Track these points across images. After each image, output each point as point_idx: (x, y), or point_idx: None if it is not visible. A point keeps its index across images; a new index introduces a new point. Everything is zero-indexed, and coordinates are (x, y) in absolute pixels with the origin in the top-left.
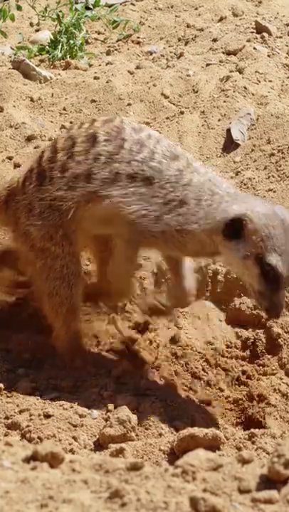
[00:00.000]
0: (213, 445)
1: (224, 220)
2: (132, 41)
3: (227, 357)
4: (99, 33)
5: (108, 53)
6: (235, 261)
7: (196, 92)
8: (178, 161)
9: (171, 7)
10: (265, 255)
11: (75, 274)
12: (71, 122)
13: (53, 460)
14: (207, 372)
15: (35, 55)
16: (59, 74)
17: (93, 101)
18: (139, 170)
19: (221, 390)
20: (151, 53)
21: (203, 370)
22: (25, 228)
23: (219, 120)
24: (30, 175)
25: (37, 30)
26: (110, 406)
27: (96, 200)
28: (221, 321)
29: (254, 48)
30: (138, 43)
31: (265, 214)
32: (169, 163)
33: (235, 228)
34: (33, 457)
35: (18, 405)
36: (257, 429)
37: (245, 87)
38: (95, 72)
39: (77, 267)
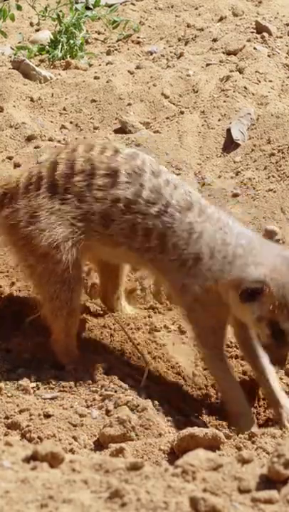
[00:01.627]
0: (213, 445)
1: (241, 282)
2: (132, 41)
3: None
4: (99, 33)
5: (108, 53)
6: (246, 318)
7: (196, 92)
8: (191, 211)
9: (172, 7)
10: (280, 322)
11: (76, 279)
12: (71, 122)
13: (53, 460)
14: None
15: (35, 55)
16: (59, 74)
17: (93, 101)
18: (153, 225)
19: None
20: (151, 53)
21: (203, 370)
22: (27, 233)
23: (219, 120)
24: (37, 182)
25: (37, 30)
26: (110, 406)
27: (113, 245)
28: None
29: (254, 48)
30: (138, 42)
31: (282, 279)
32: (182, 217)
33: (251, 291)
34: (33, 457)
35: (18, 405)
36: (257, 429)
37: (245, 87)
38: (95, 72)
39: (78, 272)
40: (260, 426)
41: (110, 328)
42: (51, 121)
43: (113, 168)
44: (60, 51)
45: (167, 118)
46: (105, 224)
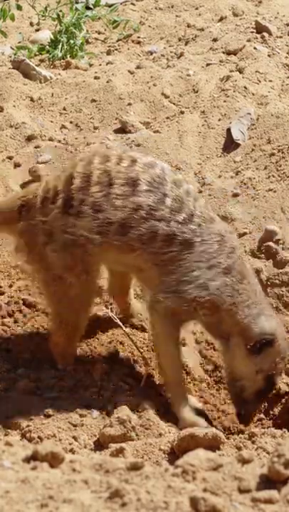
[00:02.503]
0: (213, 445)
1: (254, 333)
2: (133, 41)
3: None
4: (99, 33)
5: (108, 53)
6: (243, 368)
7: (197, 91)
8: (216, 224)
9: (172, 7)
10: (275, 377)
11: (87, 303)
12: (71, 122)
13: (53, 460)
14: (207, 372)
15: (36, 55)
16: (59, 74)
17: (93, 101)
18: (179, 232)
19: (222, 390)
20: (151, 53)
21: (204, 370)
22: (44, 250)
23: (219, 120)
24: (53, 196)
25: (37, 30)
26: (110, 406)
27: (128, 251)
28: None
29: (254, 48)
30: (138, 42)
31: (283, 332)
32: (209, 227)
33: (261, 344)
34: (33, 457)
35: (18, 405)
36: (257, 429)
37: (245, 87)
38: (95, 72)
39: (90, 296)
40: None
41: (111, 327)
42: (51, 121)
43: (132, 177)
44: (60, 51)
45: (167, 118)
46: (123, 232)
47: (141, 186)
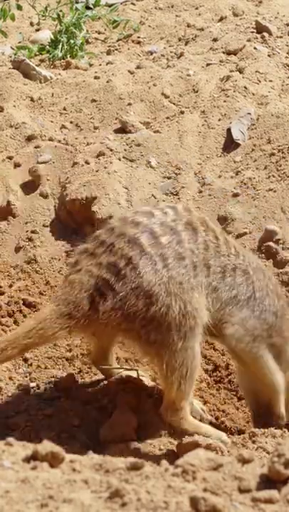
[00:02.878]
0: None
1: None
2: (133, 41)
3: (229, 357)
4: (99, 33)
5: (108, 53)
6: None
7: (197, 91)
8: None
9: (172, 7)
10: None
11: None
12: (71, 122)
13: (53, 460)
14: (207, 372)
15: (36, 55)
16: (59, 74)
17: (93, 101)
18: (238, 264)
19: (222, 390)
20: (151, 53)
21: (204, 370)
22: (152, 314)
23: (219, 120)
24: (128, 264)
25: (37, 30)
26: (110, 406)
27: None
28: None
29: (254, 48)
30: (138, 42)
31: None
32: (246, 256)
33: None
34: (33, 457)
35: (18, 405)
36: (257, 429)
37: (245, 87)
38: (96, 72)
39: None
40: None
41: None
42: (51, 121)
43: (188, 221)
44: (61, 51)
45: (167, 118)
46: (207, 274)
47: (199, 228)
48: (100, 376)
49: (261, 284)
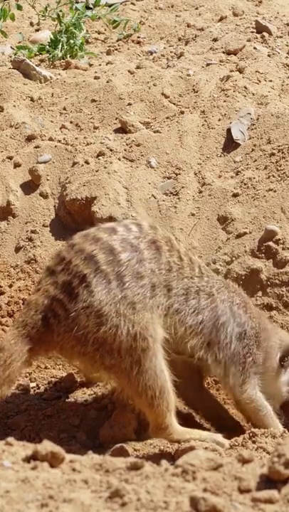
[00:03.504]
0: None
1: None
2: (133, 41)
3: None
4: (99, 33)
5: (108, 53)
6: (275, 387)
7: (197, 91)
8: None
9: (172, 7)
10: None
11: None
12: (71, 122)
13: (54, 460)
14: None
15: (36, 55)
16: (59, 74)
17: (93, 100)
18: (201, 286)
19: (222, 390)
20: (151, 53)
21: None
22: (101, 335)
23: (219, 120)
24: (80, 283)
25: (37, 30)
26: (110, 406)
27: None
28: None
29: (254, 48)
30: (138, 42)
31: None
32: (210, 276)
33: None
34: (34, 457)
35: (18, 405)
36: (257, 429)
37: (245, 87)
38: (95, 72)
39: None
40: None
41: None
42: (51, 121)
43: (152, 240)
44: (60, 51)
45: (167, 118)
46: (169, 296)
47: (163, 247)
48: None
49: (225, 305)
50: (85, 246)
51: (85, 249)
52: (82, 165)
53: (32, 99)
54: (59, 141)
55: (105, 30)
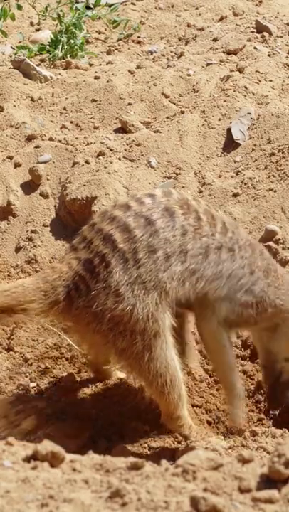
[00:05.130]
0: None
1: None
2: (133, 41)
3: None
4: (99, 33)
5: (109, 53)
6: (283, 351)
7: (197, 91)
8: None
9: (172, 7)
10: None
11: (172, 343)
12: (71, 122)
13: (54, 459)
14: (207, 372)
15: (36, 55)
16: (59, 73)
17: (94, 100)
18: (223, 242)
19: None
20: (151, 53)
21: (204, 370)
22: (117, 314)
23: (220, 120)
24: (102, 261)
25: (37, 30)
26: (110, 406)
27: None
28: None
29: (254, 48)
30: (138, 42)
31: None
32: (236, 232)
33: None
34: (34, 457)
35: (18, 405)
36: (257, 428)
37: (245, 87)
38: (96, 72)
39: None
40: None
41: None
42: (51, 121)
43: (165, 207)
44: (61, 51)
45: (167, 118)
46: (184, 260)
47: (176, 212)
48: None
49: (244, 262)
50: (103, 226)
51: (103, 229)
52: (83, 165)
53: (32, 99)
54: (59, 141)
55: (105, 30)
